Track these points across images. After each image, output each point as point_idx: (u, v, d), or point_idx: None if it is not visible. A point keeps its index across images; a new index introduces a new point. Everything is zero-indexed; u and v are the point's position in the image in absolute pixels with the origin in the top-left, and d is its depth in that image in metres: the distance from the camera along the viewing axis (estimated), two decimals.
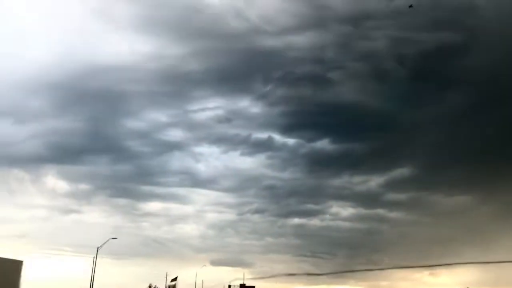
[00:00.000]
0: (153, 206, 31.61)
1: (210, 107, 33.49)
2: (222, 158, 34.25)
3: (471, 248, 25.59)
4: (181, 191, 32.71)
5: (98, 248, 15.28)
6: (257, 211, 32.65)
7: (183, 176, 33.20)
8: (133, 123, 32.40)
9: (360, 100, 32.54)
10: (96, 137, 30.74)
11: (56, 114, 29.69)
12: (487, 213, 28.60)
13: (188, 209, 32.71)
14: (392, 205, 31.59)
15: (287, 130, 34.71)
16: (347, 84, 32.58)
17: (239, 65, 32.20)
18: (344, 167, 33.76)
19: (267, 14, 30.36)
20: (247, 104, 33.72)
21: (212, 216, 32.35)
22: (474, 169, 29.66)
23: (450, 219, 29.33)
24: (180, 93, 32.86)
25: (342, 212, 32.49)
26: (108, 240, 15.55)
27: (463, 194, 30.71)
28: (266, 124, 33.68)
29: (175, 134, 33.28)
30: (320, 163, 33.89)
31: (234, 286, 25.78)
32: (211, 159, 34.16)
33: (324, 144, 33.73)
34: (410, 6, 24.14)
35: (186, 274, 24.40)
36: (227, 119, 33.59)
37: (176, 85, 32.29)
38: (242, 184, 33.85)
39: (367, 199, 32.03)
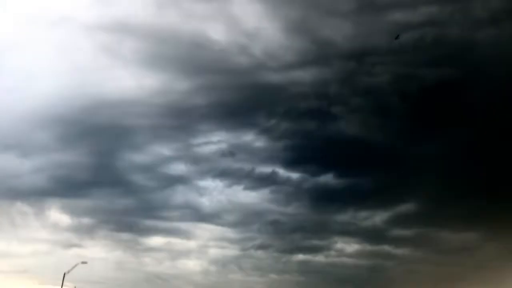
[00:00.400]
0: (156, 240, 31.22)
1: (214, 141, 33.74)
2: (226, 192, 33.88)
3: (480, 286, 25.40)
4: (184, 225, 32.38)
5: (65, 274, 14.90)
6: (260, 247, 32.23)
7: (186, 210, 32.86)
8: (137, 157, 32.56)
9: (364, 135, 32.81)
10: (100, 171, 30.87)
11: (60, 147, 29.86)
12: (495, 250, 28.31)
13: (191, 244, 32.17)
14: (398, 241, 31.34)
15: (291, 164, 34.79)
16: (350, 119, 32.90)
17: (243, 100, 32.62)
18: (348, 202, 33.45)
19: (271, 50, 31.00)
20: (251, 138, 33.97)
21: (215, 252, 31.86)
22: (481, 205, 29.43)
23: (457, 256, 29.13)
24: (184, 127, 33.18)
25: (347, 248, 32.12)
26: (77, 265, 15.20)
27: (470, 230, 30.33)
28: (269, 158, 33.80)
29: (179, 168, 33.40)
30: (324, 198, 33.73)
31: None
32: (214, 193, 33.81)
33: (328, 178, 33.76)
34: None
35: None
36: (230, 153, 33.81)
37: (180, 119, 32.67)
38: (246, 219, 33.32)
39: (373, 235, 31.82)
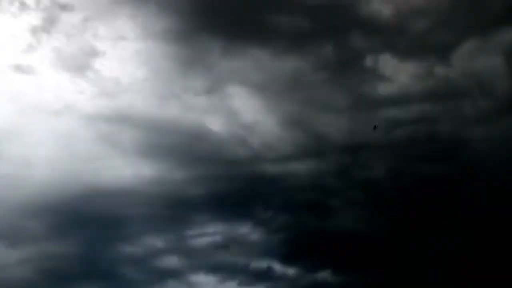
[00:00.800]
0: None
1: (208, 232, 32.96)
2: None
3: None
4: None
5: None
6: None
7: None
8: (129, 249, 31.49)
9: (360, 230, 32.46)
10: (90, 263, 29.57)
11: (51, 237, 29.01)
12: None
13: None
14: None
15: (287, 259, 33.87)
16: (347, 212, 32.77)
17: (240, 191, 32.51)
18: None
19: (268, 142, 31.60)
20: (246, 231, 33.29)
21: None
22: None
23: None
24: (179, 217, 32.60)
25: None
26: None
27: None
28: (265, 252, 32.97)
29: (171, 262, 32.31)
30: None
31: None
32: None
33: (325, 275, 32.70)
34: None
35: None
36: (225, 246, 32.92)
37: (175, 210, 32.10)
38: None
39: None
